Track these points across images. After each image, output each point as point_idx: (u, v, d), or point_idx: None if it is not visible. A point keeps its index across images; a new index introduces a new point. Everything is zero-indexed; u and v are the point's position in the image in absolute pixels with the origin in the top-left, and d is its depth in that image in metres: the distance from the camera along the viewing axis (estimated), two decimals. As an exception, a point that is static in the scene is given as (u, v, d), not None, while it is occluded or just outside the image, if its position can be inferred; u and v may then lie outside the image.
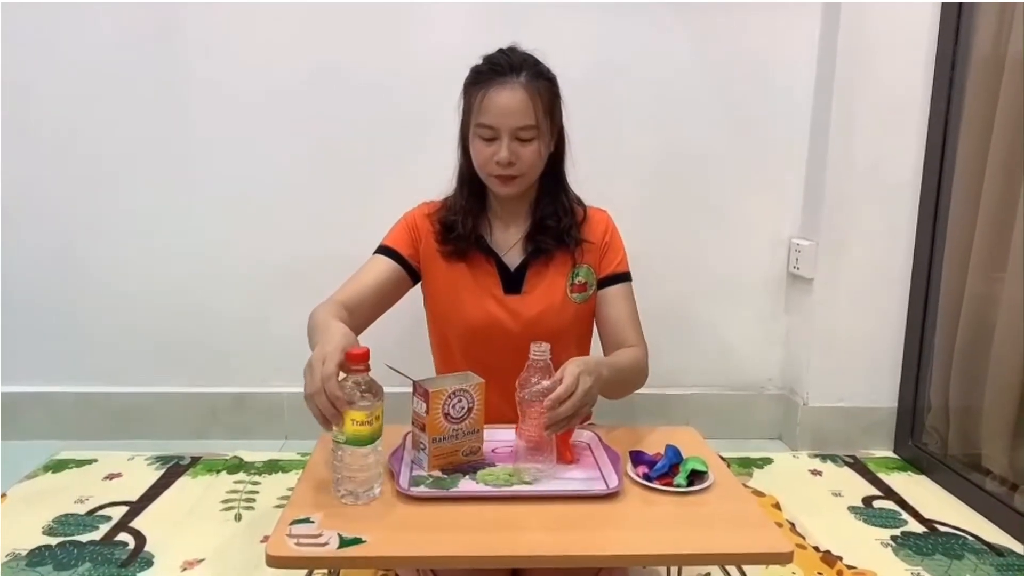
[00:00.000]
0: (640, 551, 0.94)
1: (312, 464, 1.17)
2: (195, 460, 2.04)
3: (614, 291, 1.42)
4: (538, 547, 0.93)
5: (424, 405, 1.11)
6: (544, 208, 1.40)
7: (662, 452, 1.19)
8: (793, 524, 1.76)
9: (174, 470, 1.98)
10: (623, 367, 1.32)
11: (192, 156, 2.16)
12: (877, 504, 1.89)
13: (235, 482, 1.91)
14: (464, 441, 1.16)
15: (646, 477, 1.12)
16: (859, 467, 2.14)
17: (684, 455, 1.17)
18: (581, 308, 1.41)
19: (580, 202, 1.45)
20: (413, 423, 1.16)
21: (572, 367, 1.11)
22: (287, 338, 2.23)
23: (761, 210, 2.29)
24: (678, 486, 1.10)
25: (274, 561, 0.90)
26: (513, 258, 1.41)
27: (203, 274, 2.22)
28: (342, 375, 1.02)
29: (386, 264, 1.39)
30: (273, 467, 2.01)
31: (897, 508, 1.87)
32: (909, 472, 2.11)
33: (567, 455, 1.10)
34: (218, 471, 1.97)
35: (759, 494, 1.92)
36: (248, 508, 1.76)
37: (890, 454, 2.24)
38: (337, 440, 1.03)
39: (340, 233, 2.17)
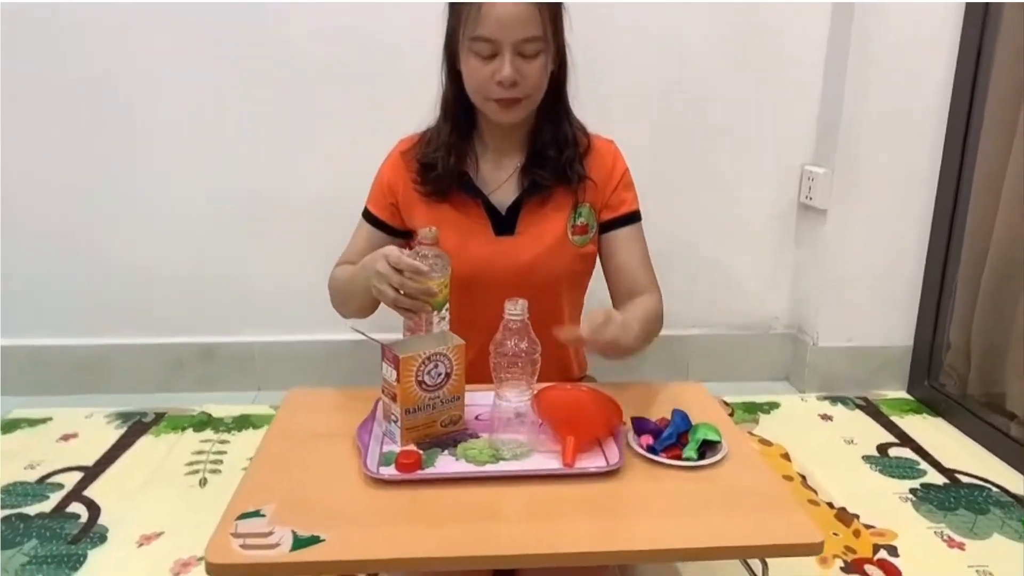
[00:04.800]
0: (645, 545, 0.81)
1: (269, 439, 1.04)
2: (159, 417, 1.92)
3: (625, 234, 1.28)
4: (527, 544, 0.81)
5: (394, 372, 0.98)
6: (543, 137, 1.24)
7: (667, 417, 1.06)
8: (804, 477, 1.66)
9: (136, 428, 1.85)
10: (645, 319, 1.19)
11: (150, 94, 1.96)
12: (893, 452, 1.79)
13: (201, 441, 1.79)
14: (442, 411, 1.03)
15: (650, 449, 1.00)
16: (872, 410, 2.03)
17: (693, 420, 1.04)
18: (581, 252, 1.27)
19: (584, 131, 1.28)
20: (383, 392, 1.02)
21: (594, 312, 1.04)
22: (255, 285, 2.10)
23: (771, 134, 2.11)
24: (687, 459, 0.98)
25: (215, 569, 0.77)
26: (504, 196, 1.26)
27: (162, 217, 2.05)
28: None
29: (369, 232, 1.30)
30: (243, 423, 1.89)
31: (915, 456, 1.77)
32: (924, 415, 2.01)
33: (568, 458, 0.96)
34: (183, 428, 1.85)
35: (766, 443, 1.82)
36: (214, 471, 1.65)
37: (904, 395, 2.14)
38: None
39: (307, 174, 2.01)
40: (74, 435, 1.82)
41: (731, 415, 1.98)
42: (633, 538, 0.83)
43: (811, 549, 0.82)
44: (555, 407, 1.01)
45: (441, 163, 1.22)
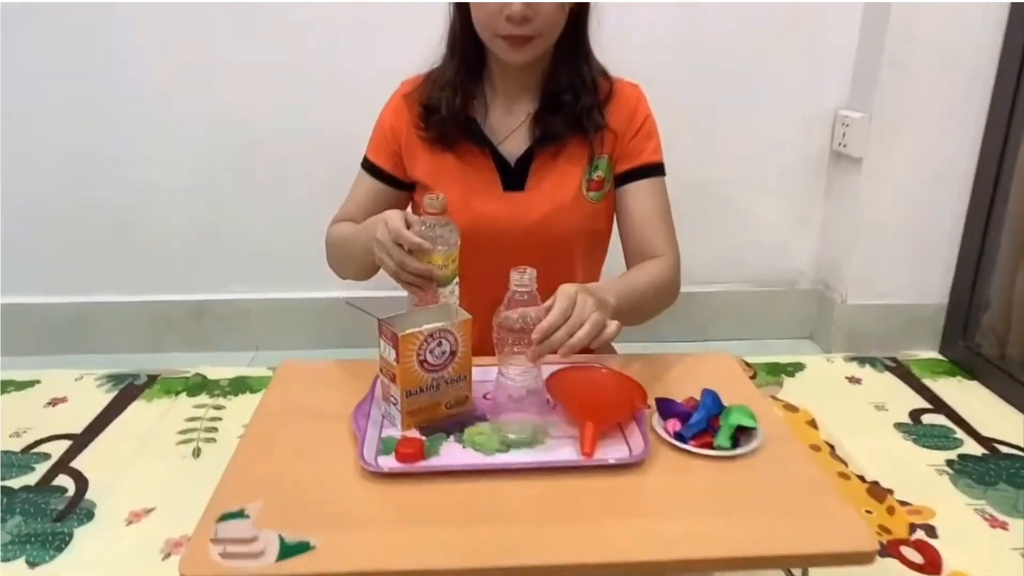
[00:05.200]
0: (678, 554, 0.72)
1: (256, 422, 0.94)
2: (152, 379, 1.84)
3: (644, 187, 1.15)
4: (545, 553, 0.72)
5: (393, 351, 0.87)
6: (559, 81, 1.11)
7: (696, 398, 0.96)
8: (833, 447, 1.57)
9: (127, 392, 1.78)
10: (640, 287, 1.09)
11: (139, 43, 1.83)
12: (927, 419, 1.70)
13: (195, 407, 1.71)
14: (447, 391, 0.93)
15: (678, 436, 0.90)
16: (902, 372, 1.94)
17: (725, 401, 0.94)
18: (596, 209, 1.15)
19: (606, 74, 1.15)
20: (382, 371, 0.93)
21: (566, 287, 0.90)
22: (245, 240, 2.00)
23: (802, 75, 1.96)
24: (719, 448, 0.88)
25: (190, 583, 0.68)
26: (514, 147, 1.14)
27: (150, 169, 1.94)
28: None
29: (370, 185, 1.19)
30: (240, 386, 1.81)
31: (950, 424, 1.68)
32: (959, 377, 1.91)
33: (587, 447, 0.86)
34: (177, 392, 1.78)
35: (791, 409, 1.73)
36: (209, 441, 1.57)
37: (936, 355, 2.04)
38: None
39: (305, 120, 1.89)
40: (63, 399, 1.74)
41: (753, 377, 1.89)
42: (664, 545, 0.73)
43: (863, 558, 0.72)
44: (571, 390, 0.91)
45: (446, 105, 1.10)
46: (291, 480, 0.83)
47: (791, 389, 1.84)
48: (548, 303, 0.88)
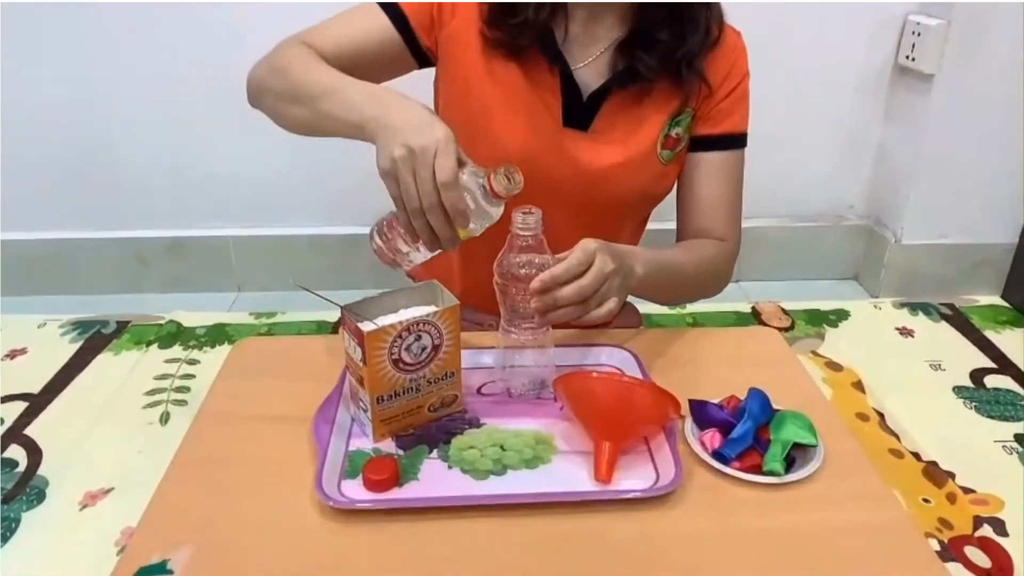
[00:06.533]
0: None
1: (196, 428, 0.79)
2: (121, 327, 1.69)
3: (720, 162, 0.96)
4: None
5: (359, 350, 0.70)
6: (656, 12, 0.88)
7: (739, 397, 0.79)
8: (883, 416, 1.41)
9: (93, 342, 1.64)
10: (680, 268, 0.92)
11: None
12: (991, 382, 1.53)
13: (167, 360, 1.58)
14: (430, 392, 0.76)
15: (718, 456, 0.73)
16: (960, 321, 1.75)
17: (774, 403, 0.77)
18: (665, 172, 0.96)
19: (721, 18, 0.93)
20: (348, 369, 0.76)
21: (587, 242, 0.75)
22: (226, 172, 1.81)
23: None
24: (771, 473, 0.71)
25: None
26: (589, 77, 0.92)
27: (122, 95, 1.75)
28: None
29: (382, 26, 0.91)
30: (218, 335, 1.67)
31: (1018, 388, 1.51)
32: (1025, 328, 1.73)
33: (603, 472, 0.70)
34: (148, 343, 1.63)
35: (835, 367, 1.56)
36: (179, 403, 1.44)
37: (998, 301, 1.85)
38: None
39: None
40: (22, 351, 1.61)
41: (791, 328, 1.72)
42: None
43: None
44: (585, 402, 0.74)
45: (532, 11, 0.87)
46: (230, 515, 0.68)
47: (834, 342, 1.66)
48: (564, 255, 0.75)
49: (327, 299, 0.74)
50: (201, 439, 0.77)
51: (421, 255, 0.80)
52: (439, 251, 0.78)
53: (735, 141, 0.96)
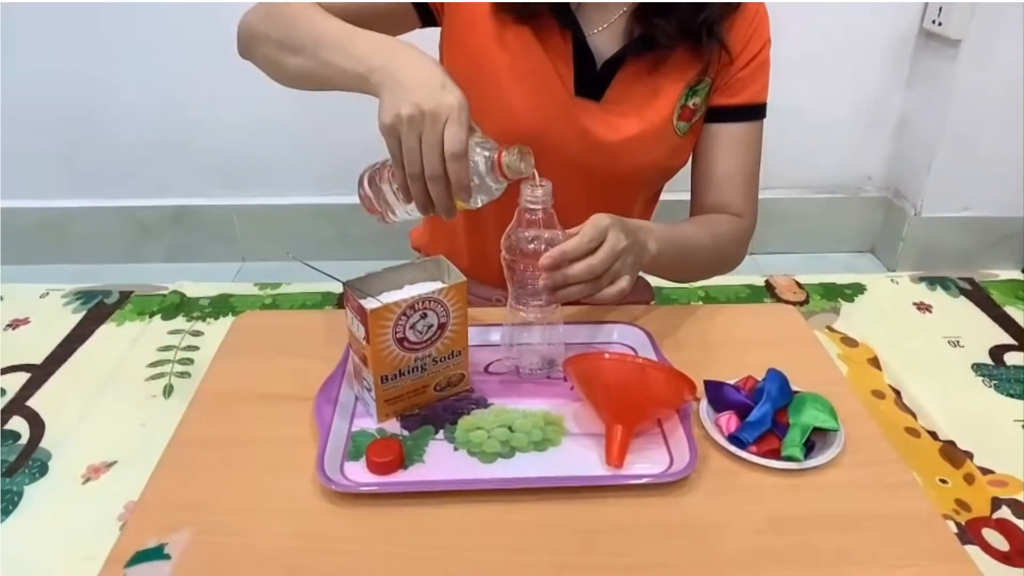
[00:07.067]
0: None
1: (194, 408, 0.77)
2: (124, 297, 1.68)
3: (738, 133, 0.92)
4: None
5: (362, 328, 0.68)
6: None
7: (756, 378, 0.76)
8: (899, 393, 1.38)
9: (96, 312, 1.63)
10: (694, 243, 0.89)
11: None
12: (1010, 359, 1.50)
13: (170, 332, 1.56)
14: (436, 371, 0.74)
15: (735, 440, 0.70)
16: (979, 297, 1.72)
17: (792, 385, 0.75)
18: (681, 144, 0.92)
19: None
20: (351, 346, 0.74)
21: (599, 217, 0.74)
22: (230, 140, 1.78)
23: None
24: (789, 458, 0.69)
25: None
26: (603, 44, 0.88)
27: (124, 59, 1.71)
28: None
29: None
30: (222, 306, 1.65)
31: (1038, 366, 1.48)
32: (1047, 304, 1.69)
33: (615, 456, 0.67)
34: (152, 314, 1.62)
35: (850, 343, 1.53)
36: (182, 376, 1.43)
37: (1018, 275, 1.81)
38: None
39: None
40: (25, 321, 1.60)
41: (805, 302, 1.68)
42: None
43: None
44: (596, 384, 0.71)
45: None
46: (230, 496, 0.66)
47: (850, 317, 1.64)
48: (574, 230, 0.73)
49: (328, 274, 0.72)
50: (199, 419, 0.76)
51: (410, 216, 0.77)
52: (431, 215, 0.74)
53: (754, 112, 0.92)
